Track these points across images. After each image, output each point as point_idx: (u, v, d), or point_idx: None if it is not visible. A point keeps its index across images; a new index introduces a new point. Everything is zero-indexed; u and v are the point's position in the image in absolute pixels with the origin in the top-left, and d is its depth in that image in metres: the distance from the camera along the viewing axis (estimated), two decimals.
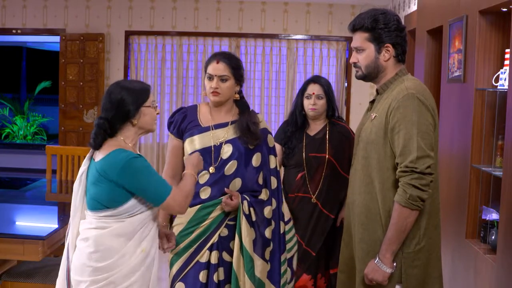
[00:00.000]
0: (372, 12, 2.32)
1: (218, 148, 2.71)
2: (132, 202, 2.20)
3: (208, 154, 2.70)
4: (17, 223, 3.44)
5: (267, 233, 2.74)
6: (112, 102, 2.22)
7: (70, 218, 2.30)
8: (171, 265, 2.74)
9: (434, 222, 2.29)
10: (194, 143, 2.73)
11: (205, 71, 2.78)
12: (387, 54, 2.30)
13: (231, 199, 2.68)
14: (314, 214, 3.25)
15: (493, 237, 3.12)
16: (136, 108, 2.24)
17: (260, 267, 2.69)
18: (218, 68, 2.74)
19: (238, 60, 2.80)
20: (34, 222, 3.42)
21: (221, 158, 2.71)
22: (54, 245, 3.03)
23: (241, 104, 2.84)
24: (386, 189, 2.24)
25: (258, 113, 2.87)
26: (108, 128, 2.23)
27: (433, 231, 2.29)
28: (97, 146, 2.25)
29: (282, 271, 2.82)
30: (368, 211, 2.30)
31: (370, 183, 2.29)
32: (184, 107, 2.87)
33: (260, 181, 2.79)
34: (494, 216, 3.12)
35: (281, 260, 2.82)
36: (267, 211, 2.76)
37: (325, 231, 3.26)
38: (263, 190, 2.79)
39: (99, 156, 2.23)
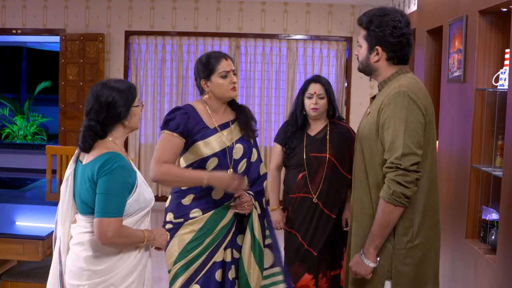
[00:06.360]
0: (373, 12, 2.33)
1: (231, 148, 2.70)
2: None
3: (224, 155, 2.67)
4: (17, 223, 3.44)
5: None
6: (102, 104, 2.18)
7: (58, 222, 2.27)
8: (176, 276, 2.63)
9: (430, 222, 2.29)
10: (212, 145, 2.66)
11: (211, 72, 2.68)
12: (377, 56, 2.32)
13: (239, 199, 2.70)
14: (315, 214, 3.25)
15: (493, 237, 3.11)
16: (127, 109, 2.22)
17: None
18: (230, 63, 2.73)
19: None
20: (34, 222, 3.41)
21: (234, 158, 2.70)
22: None
23: (230, 101, 2.83)
24: (377, 185, 2.26)
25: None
26: (100, 130, 2.20)
27: (429, 231, 2.29)
28: (87, 149, 2.20)
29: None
30: (362, 205, 2.32)
31: (365, 178, 2.32)
32: (181, 107, 2.73)
33: (261, 172, 2.85)
34: (494, 216, 3.12)
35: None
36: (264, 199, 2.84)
37: (326, 231, 3.26)
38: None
39: (88, 158, 2.20)
